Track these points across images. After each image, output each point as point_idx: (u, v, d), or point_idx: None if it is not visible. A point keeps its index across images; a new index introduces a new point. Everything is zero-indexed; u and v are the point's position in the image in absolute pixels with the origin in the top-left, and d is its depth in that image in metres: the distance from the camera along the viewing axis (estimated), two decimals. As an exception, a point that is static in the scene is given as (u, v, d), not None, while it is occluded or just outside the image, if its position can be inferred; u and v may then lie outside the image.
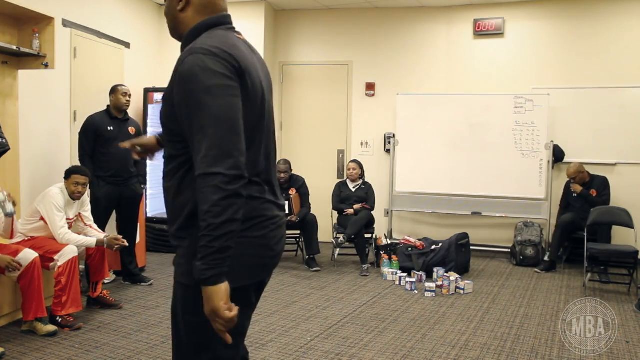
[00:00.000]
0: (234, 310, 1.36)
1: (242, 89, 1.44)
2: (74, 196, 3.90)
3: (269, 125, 1.62)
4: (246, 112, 1.45)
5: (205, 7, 1.56)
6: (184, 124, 1.44)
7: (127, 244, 4.07)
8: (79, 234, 4.00)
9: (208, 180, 1.35)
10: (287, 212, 5.55)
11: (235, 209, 1.37)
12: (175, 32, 1.63)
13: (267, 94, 1.59)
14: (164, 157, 1.60)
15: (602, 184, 5.73)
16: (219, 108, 1.37)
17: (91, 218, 4.13)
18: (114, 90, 4.64)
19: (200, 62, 1.39)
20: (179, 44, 1.63)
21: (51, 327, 3.48)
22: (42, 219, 3.81)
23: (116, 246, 3.98)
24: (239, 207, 1.38)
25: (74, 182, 3.88)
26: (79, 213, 4.06)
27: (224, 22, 1.58)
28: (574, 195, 5.76)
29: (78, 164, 4.35)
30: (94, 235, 4.01)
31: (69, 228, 3.90)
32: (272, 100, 1.68)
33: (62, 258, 3.63)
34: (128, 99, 4.63)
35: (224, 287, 1.35)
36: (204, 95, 1.37)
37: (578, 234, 5.56)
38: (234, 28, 1.60)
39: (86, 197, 4.12)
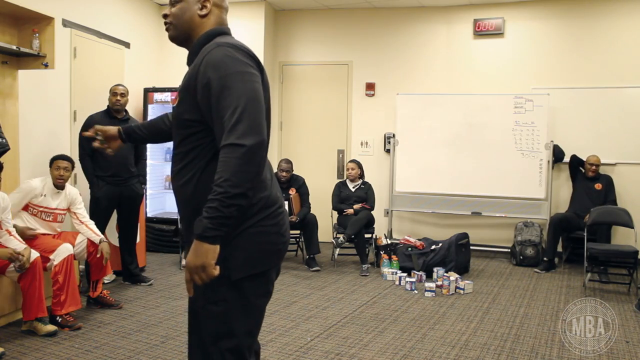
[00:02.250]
0: (217, 270, 1.48)
1: (261, 82, 1.58)
2: (57, 182, 3.91)
3: (268, 117, 1.71)
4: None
5: (221, 19, 1.73)
6: (209, 108, 1.53)
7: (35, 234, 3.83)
8: (76, 233, 4.01)
9: (235, 150, 1.44)
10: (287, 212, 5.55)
11: (250, 186, 1.47)
12: (185, 34, 1.71)
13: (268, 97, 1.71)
14: (174, 154, 1.66)
15: (608, 182, 5.83)
16: (249, 90, 1.50)
17: (86, 215, 4.10)
18: (109, 90, 4.65)
19: (228, 52, 1.54)
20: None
21: (51, 327, 3.48)
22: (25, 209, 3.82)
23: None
24: (255, 185, 1.49)
25: (56, 166, 3.92)
26: (72, 210, 4.05)
27: (229, 33, 1.73)
28: (587, 176, 5.81)
29: (78, 163, 4.35)
30: (87, 234, 3.99)
31: (55, 219, 3.92)
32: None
33: (58, 257, 3.62)
34: (119, 98, 4.58)
35: (217, 248, 1.47)
36: (234, 78, 1.50)
37: (577, 233, 5.58)
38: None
39: (77, 195, 4.09)
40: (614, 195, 5.79)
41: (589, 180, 5.83)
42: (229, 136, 1.45)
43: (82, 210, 4.11)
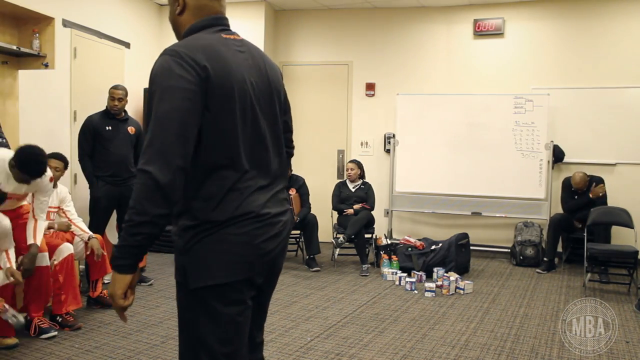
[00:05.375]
0: (128, 301, 1.48)
1: (208, 90, 1.44)
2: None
3: (256, 120, 1.57)
4: (217, 108, 1.46)
5: (200, 9, 1.59)
6: None
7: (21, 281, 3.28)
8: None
9: (140, 176, 1.40)
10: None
11: (159, 213, 1.39)
12: (178, 36, 1.66)
13: (258, 92, 1.57)
14: None
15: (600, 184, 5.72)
16: (165, 109, 1.41)
17: (74, 213, 4.07)
18: (108, 92, 4.64)
19: (165, 62, 1.44)
20: None
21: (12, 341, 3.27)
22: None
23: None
24: (165, 211, 1.40)
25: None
26: (62, 208, 4.03)
27: (216, 23, 1.59)
28: (575, 197, 5.72)
29: (77, 163, 4.34)
30: (76, 232, 3.97)
31: (47, 217, 3.83)
32: (275, 99, 1.65)
33: (59, 256, 3.62)
34: (116, 103, 4.56)
35: (127, 278, 1.46)
36: (158, 96, 1.42)
37: (577, 233, 5.58)
38: (226, 28, 1.61)
39: (67, 193, 4.08)
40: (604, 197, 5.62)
41: (580, 194, 5.68)
42: (140, 161, 1.41)
43: (72, 209, 4.09)
